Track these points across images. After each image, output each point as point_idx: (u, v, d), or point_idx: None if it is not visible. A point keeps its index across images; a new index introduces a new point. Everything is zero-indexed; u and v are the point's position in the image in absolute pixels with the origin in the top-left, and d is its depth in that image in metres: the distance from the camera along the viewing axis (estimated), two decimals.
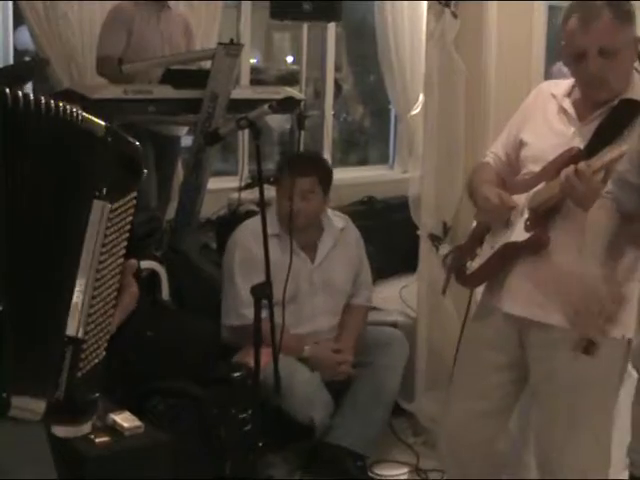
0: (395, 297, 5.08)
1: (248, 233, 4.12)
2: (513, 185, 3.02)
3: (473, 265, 3.07)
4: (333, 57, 6.60)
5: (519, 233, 2.89)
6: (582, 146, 2.79)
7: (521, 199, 2.93)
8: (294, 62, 7.58)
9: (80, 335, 1.65)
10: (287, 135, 6.82)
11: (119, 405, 3.23)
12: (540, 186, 2.86)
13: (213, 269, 4.31)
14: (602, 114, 2.81)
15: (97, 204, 1.64)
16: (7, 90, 1.57)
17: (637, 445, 2.39)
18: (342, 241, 4.35)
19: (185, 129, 5.32)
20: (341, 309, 4.32)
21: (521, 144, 3.01)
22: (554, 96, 2.95)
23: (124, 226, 1.72)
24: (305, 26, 5.82)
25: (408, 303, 4.87)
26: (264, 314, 3.33)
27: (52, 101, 1.61)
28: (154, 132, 5.04)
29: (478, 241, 3.09)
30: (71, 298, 1.65)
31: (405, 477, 4.12)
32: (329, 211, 4.37)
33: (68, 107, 1.63)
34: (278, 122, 6.90)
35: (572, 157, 2.77)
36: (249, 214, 4.61)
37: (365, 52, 7.43)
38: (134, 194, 1.72)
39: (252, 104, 4.00)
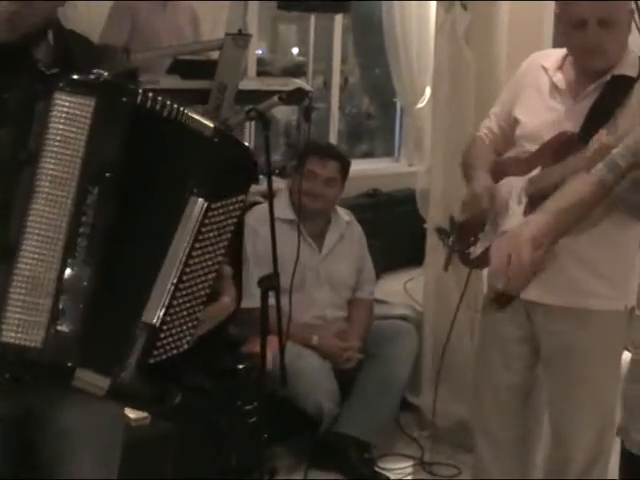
0: (400, 290, 5.08)
1: (257, 218, 4.13)
2: (508, 165, 3.03)
3: (476, 249, 3.09)
4: (340, 49, 6.57)
5: (518, 220, 2.85)
6: (575, 124, 2.81)
7: (517, 181, 2.94)
8: (299, 54, 7.56)
9: (157, 323, 1.71)
10: (292, 127, 6.81)
11: None
12: (537, 170, 2.88)
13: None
14: (595, 90, 2.83)
15: (194, 200, 1.71)
16: (140, 89, 1.68)
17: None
18: (347, 234, 4.37)
19: None
20: (345, 303, 4.35)
21: (515, 121, 3.03)
22: (545, 69, 2.96)
23: (225, 227, 1.78)
24: (312, 18, 5.79)
25: (413, 296, 4.86)
26: (272, 302, 3.34)
27: (170, 102, 1.70)
28: None
29: (479, 225, 3.09)
30: (152, 287, 1.70)
31: (410, 470, 4.12)
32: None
33: (182, 107, 1.71)
34: (284, 113, 6.89)
35: (567, 141, 2.80)
36: (255, 205, 4.60)
37: (372, 44, 7.40)
38: (241, 197, 1.78)
39: (260, 95, 3.99)
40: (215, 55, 4.57)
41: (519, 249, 2.18)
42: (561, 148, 2.81)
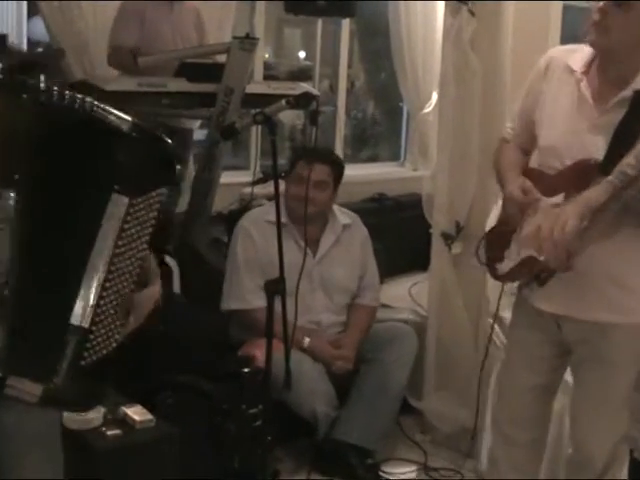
0: (405, 295, 5.08)
1: (251, 221, 4.18)
2: (534, 178, 2.97)
3: (503, 266, 3.05)
4: (346, 53, 6.58)
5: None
6: (596, 143, 2.75)
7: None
8: (306, 58, 7.57)
9: (86, 325, 1.68)
10: (298, 131, 6.82)
11: (129, 399, 3.24)
12: (560, 197, 2.81)
13: (223, 263, 4.30)
14: (618, 105, 2.75)
15: (115, 198, 1.68)
16: (42, 84, 1.62)
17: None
18: (345, 238, 4.35)
19: (197, 122, 5.31)
20: (343, 308, 4.33)
21: (534, 125, 2.99)
22: (572, 72, 2.88)
23: (147, 221, 1.74)
24: (319, 22, 5.80)
25: (418, 301, 4.86)
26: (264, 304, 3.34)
27: (81, 96, 1.65)
28: (165, 125, 5.03)
29: (505, 241, 3.04)
30: (79, 288, 1.67)
31: (413, 475, 4.11)
32: (335, 207, 4.38)
33: (96, 103, 1.67)
34: (289, 117, 6.90)
35: (589, 170, 2.74)
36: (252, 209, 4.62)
37: (378, 49, 7.41)
38: (161, 190, 1.75)
39: (267, 99, 4.00)
40: (222, 58, 4.58)
41: (564, 219, 2.17)
42: (583, 176, 2.75)
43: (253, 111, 3.47)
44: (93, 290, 1.68)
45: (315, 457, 4.03)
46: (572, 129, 2.84)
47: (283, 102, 3.45)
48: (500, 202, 3.12)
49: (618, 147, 2.72)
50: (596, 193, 2.43)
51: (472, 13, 4.02)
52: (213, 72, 4.53)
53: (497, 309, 3.45)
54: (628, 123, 2.74)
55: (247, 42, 4.49)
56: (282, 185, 4.14)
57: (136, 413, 3.15)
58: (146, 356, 3.79)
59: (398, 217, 5.87)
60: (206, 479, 3.52)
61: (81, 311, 1.68)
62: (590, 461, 3.01)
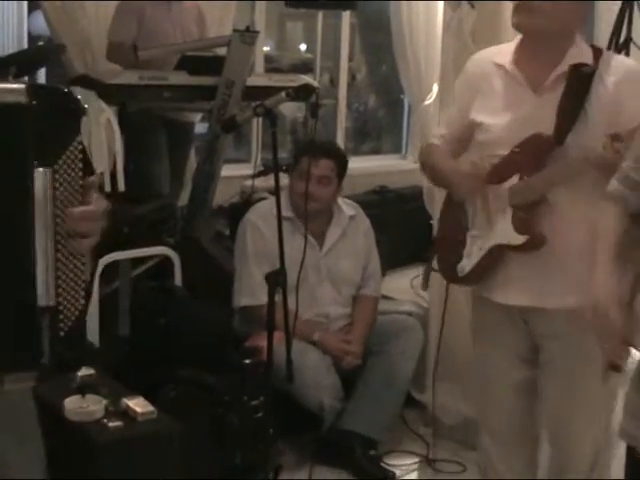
0: (407, 287, 5.08)
1: (260, 215, 4.17)
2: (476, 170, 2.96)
3: (464, 266, 2.98)
4: (347, 46, 6.59)
5: (508, 233, 2.82)
6: (542, 121, 2.74)
7: (495, 190, 2.87)
8: (307, 51, 7.56)
9: (52, 303, 1.69)
10: (299, 124, 6.82)
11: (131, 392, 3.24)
12: (515, 178, 2.81)
13: (226, 256, 4.31)
14: (556, 82, 2.76)
15: (38, 173, 1.66)
16: None
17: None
18: (350, 230, 4.36)
19: (199, 115, 5.31)
20: (349, 300, 4.35)
21: (475, 125, 2.94)
22: (499, 65, 2.88)
23: (75, 174, 1.72)
24: (320, 15, 5.80)
25: (420, 293, 4.86)
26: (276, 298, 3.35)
27: None
28: (168, 118, 5.04)
29: (461, 244, 3.00)
30: (35, 269, 1.67)
31: (415, 467, 4.12)
32: (339, 199, 4.38)
33: None
34: (290, 110, 6.90)
35: (542, 144, 2.75)
36: (259, 201, 4.62)
37: (379, 41, 7.41)
38: (78, 138, 1.70)
39: (267, 91, 3.99)
40: (223, 51, 4.58)
41: (607, 320, 2.11)
42: (537, 151, 2.76)
43: (253, 104, 3.47)
44: (49, 268, 1.68)
45: (318, 451, 4.03)
46: (516, 116, 2.82)
47: (283, 94, 3.45)
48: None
49: (564, 119, 2.73)
50: (605, 273, 2.22)
51: (472, 6, 4.01)
52: (214, 65, 4.52)
53: None
54: (570, 95, 2.74)
55: (247, 35, 4.49)
56: (284, 178, 4.15)
57: (138, 405, 3.15)
58: (148, 349, 3.81)
59: (400, 209, 5.88)
60: (208, 472, 3.53)
61: (45, 291, 1.68)
62: (572, 459, 2.99)
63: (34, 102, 1.66)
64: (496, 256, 2.88)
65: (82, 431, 2.98)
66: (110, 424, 3.04)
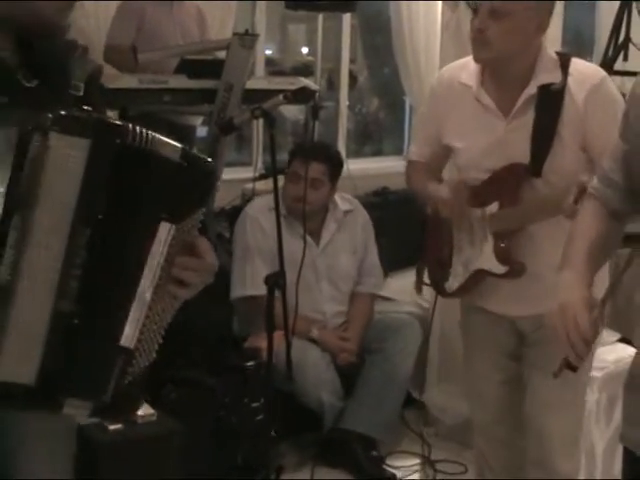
0: (408, 288, 5.06)
1: (258, 209, 4.19)
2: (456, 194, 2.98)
3: (451, 284, 3.06)
4: (348, 48, 6.60)
5: (490, 261, 2.88)
6: (516, 147, 2.76)
7: (474, 213, 2.92)
8: (309, 54, 7.57)
9: (132, 346, 1.74)
10: (300, 126, 6.82)
11: None
12: (494, 205, 2.85)
13: (226, 258, 4.31)
14: (525, 105, 2.76)
15: (164, 226, 1.73)
16: (129, 125, 1.65)
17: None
18: (346, 225, 4.37)
19: (200, 119, 5.32)
20: (347, 296, 4.36)
21: (447, 149, 2.97)
22: (466, 86, 2.86)
23: (188, 238, 1.80)
24: (320, 17, 5.81)
25: (422, 295, 4.85)
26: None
27: (141, 129, 1.67)
28: (169, 122, 5.04)
29: (447, 263, 3.06)
30: (129, 311, 1.72)
31: (416, 468, 4.13)
32: (336, 195, 4.39)
33: (147, 132, 1.68)
34: (292, 113, 6.91)
35: (519, 174, 2.78)
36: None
37: (380, 43, 7.42)
38: (202, 210, 1.80)
39: (267, 94, 4.00)
40: (222, 55, 4.59)
41: (575, 320, 2.10)
42: (514, 181, 2.79)
43: (251, 106, 3.48)
44: (141, 313, 1.74)
45: (319, 451, 4.05)
46: (488, 141, 2.82)
47: (281, 97, 3.46)
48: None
49: (540, 146, 2.75)
50: (581, 274, 2.19)
51: (470, 6, 4.02)
52: (213, 68, 4.53)
53: None
54: (542, 119, 2.75)
55: (247, 38, 4.49)
56: (283, 180, 4.17)
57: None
58: None
59: (401, 211, 5.86)
60: (209, 473, 3.54)
61: (130, 333, 1.73)
62: (550, 456, 2.99)
63: (184, 163, 1.73)
64: (480, 278, 2.96)
65: (81, 433, 2.99)
66: (110, 427, 3.06)
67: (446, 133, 2.95)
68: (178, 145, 1.74)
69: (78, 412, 1.77)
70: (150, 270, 1.73)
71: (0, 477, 2.00)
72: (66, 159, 1.61)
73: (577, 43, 8.08)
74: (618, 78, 4.11)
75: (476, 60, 2.78)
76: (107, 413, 1.83)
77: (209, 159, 1.82)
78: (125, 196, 1.69)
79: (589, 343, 2.10)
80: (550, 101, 2.74)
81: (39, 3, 1.77)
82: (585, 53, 7.32)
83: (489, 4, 2.65)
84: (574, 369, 2.23)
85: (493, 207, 2.86)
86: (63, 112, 1.62)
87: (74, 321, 1.67)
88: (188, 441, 3.29)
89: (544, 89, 2.74)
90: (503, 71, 2.78)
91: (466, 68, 2.89)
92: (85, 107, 1.71)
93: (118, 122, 1.68)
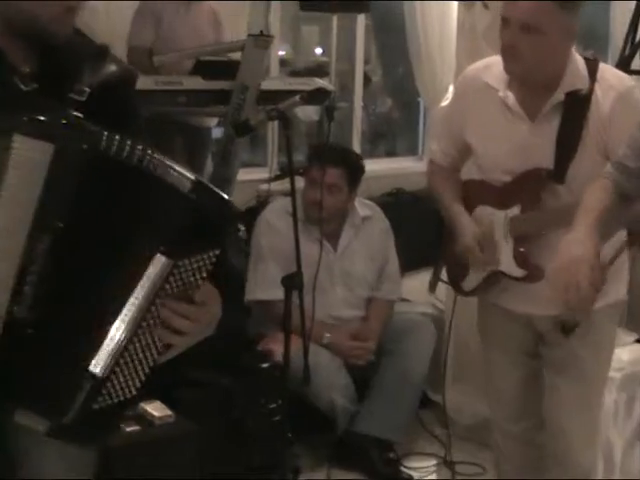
0: (423, 289, 5.05)
1: (275, 212, 4.17)
2: (481, 191, 3.00)
3: (469, 283, 3.08)
4: (362, 49, 6.59)
5: (509, 264, 2.89)
6: (540, 151, 2.76)
7: (496, 214, 2.92)
8: (323, 54, 7.57)
9: (102, 374, 1.68)
10: (315, 126, 6.83)
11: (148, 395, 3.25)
12: (516, 208, 2.86)
13: (242, 260, 4.31)
14: (552, 111, 2.76)
15: (159, 259, 1.64)
16: (105, 133, 1.59)
17: None
18: (364, 231, 4.35)
19: (215, 120, 5.33)
20: (363, 302, 4.33)
21: (469, 148, 2.97)
22: (492, 88, 2.84)
23: (193, 282, 1.69)
24: (334, 18, 5.81)
25: (436, 295, 4.85)
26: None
27: (145, 149, 1.61)
28: (184, 123, 5.05)
29: (465, 262, 3.06)
30: (103, 338, 1.67)
31: (434, 469, 4.11)
32: (356, 200, 4.36)
33: (158, 157, 1.62)
34: (306, 113, 6.90)
35: (542, 179, 2.78)
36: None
37: (393, 44, 7.41)
38: (213, 252, 1.67)
39: (282, 95, 4.00)
40: (237, 56, 4.60)
41: (578, 277, 2.16)
42: (536, 185, 2.79)
43: (267, 107, 3.48)
44: (117, 344, 1.67)
45: (335, 453, 4.04)
46: (512, 143, 2.82)
47: (297, 98, 3.45)
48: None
49: (565, 152, 2.74)
50: (587, 235, 2.30)
51: (486, 6, 4.01)
52: (228, 70, 4.54)
53: None
54: (568, 125, 2.75)
55: (261, 39, 4.50)
56: (300, 181, 4.15)
57: (155, 409, 3.17)
58: None
59: (416, 211, 5.86)
60: (225, 476, 3.53)
61: (101, 361, 1.68)
62: (569, 453, 2.99)
63: (193, 196, 1.64)
64: (498, 278, 2.97)
65: None
66: (127, 428, 3.06)
67: (469, 133, 2.95)
68: (191, 175, 1.65)
69: (31, 424, 1.72)
70: (135, 302, 1.65)
71: (13, 477, 1.98)
72: (28, 162, 1.57)
73: (591, 40, 8.04)
74: (635, 77, 4.08)
75: (507, 72, 2.77)
76: (69, 435, 1.74)
77: (227, 197, 1.70)
78: (112, 213, 1.63)
79: (590, 301, 2.13)
80: (577, 107, 2.73)
81: (33, 10, 1.72)
82: (599, 50, 7.28)
83: (520, 18, 2.63)
84: (568, 331, 2.26)
85: (514, 210, 2.86)
86: (36, 116, 1.58)
87: (28, 330, 1.63)
88: (204, 442, 3.28)
89: (571, 95, 2.73)
90: (532, 78, 2.77)
91: (491, 69, 2.88)
92: (74, 112, 1.65)
93: (92, 128, 1.61)
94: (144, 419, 3.13)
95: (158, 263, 1.64)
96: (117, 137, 1.59)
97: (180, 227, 1.65)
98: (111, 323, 1.66)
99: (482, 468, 4.03)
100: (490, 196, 2.93)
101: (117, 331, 1.66)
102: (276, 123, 3.82)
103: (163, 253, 1.63)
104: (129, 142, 1.60)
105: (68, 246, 1.61)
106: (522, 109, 2.80)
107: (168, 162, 1.64)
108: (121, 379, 1.72)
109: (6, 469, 1.97)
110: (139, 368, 1.73)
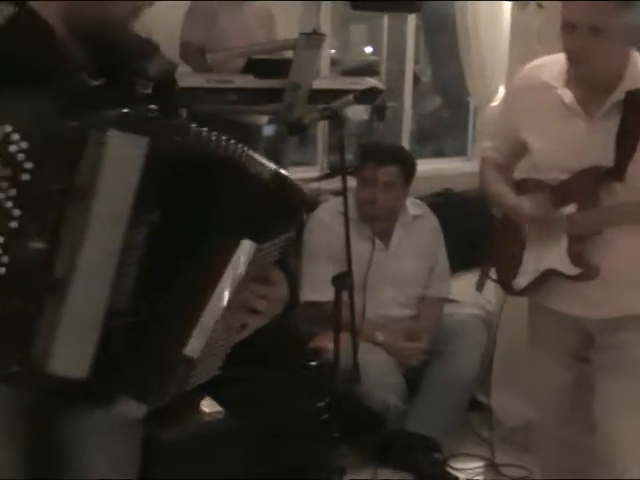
0: (471, 291, 5.04)
1: (327, 212, 4.18)
2: (536, 190, 2.97)
3: (520, 282, 3.06)
4: (413, 48, 6.58)
5: (563, 261, 2.87)
6: (599, 150, 2.74)
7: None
8: (373, 53, 7.58)
9: (196, 357, 1.74)
10: (364, 126, 6.82)
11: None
12: (572, 207, 2.84)
13: (292, 258, 4.32)
14: (612, 110, 2.73)
15: (245, 244, 1.71)
16: (191, 124, 1.66)
17: None
18: (415, 230, 4.35)
19: (266, 118, 5.34)
20: (413, 301, 4.33)
21: (524, 147, 2.96)
22: (550, 86, 2.84)
23: (267, 264, 1.79)
24: (385, 17, 5.81)
25: (484, 297, 4.83)
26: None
27: (229, 140, 1.68)
28: (235, 121, 5.07)
29: (517, 261, 3.05)
30: (197, 322, 1.73)
31: (480, 471, 4.10)
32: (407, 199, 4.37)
33: (240, 147, 1.70)
34: (355, 113, 6.91)
35: (600, 177, 2.75)
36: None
37: (444, 43, 7.39)
38: (288, 235, 1.79)
39: (333, 94, 4.01)
40: (289, 54, 4.61)
41: None
42: (594, 183, 2.77)
43: (320, 106, 3.48)
44: (209, 327, 1.73)
45: (381, 453, 4.04)
46: (569, 141, 2.81)
47: (350, 97, 3.46)
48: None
49: (625, 150, 2.72)
50: None
51: (540, 6, 3.99)
52: (280, 68, 4.55)
53: None
54: (628, 124, 2.73)
55: (313, 38, 4.51)
56: (350, 180, 4.16)
57: (205, 405, 3.18)
58: None
59: (464, 212, 5.83)
60: (270, 474, 3.53)
61: (195, 345, 1.74)
62: (619, 458, 2.93)
63: (274, 185, 1.74)
64: (550, 277, 2.94)
65: (149, 429, 3.01)
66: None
67: (525, 131, 2.94)
68: (270, 165, 1.74)
69: (131, 411, 1.82)
70: (224, 286, 1.72)
71: (55, 470, 2.02)
72: (124, 156, 1.61)
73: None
74: None
75: (577, 76, 2.77)
76: (160, 418, 1.85)
77: (300, 186, 1.81)
78: (201, 202, 1.70)
79: None
80: (637, 106, 2.71)
81: (100, 12, 1.77)
82: None
83: (588, 22, 2.61)
84: None
85: (571, 208, 2.84)
86: (124, 110, 1.63)
87: (129, 319, 1.69)
88: (250, 440, 3.30)
89: (631, 94, 2.72)
90: (593, 77, 2.77)
91: (548, 67, 2.89)
92: (152, 106, 1.71)
93: (180, 121, 1.71)
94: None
95: (244, 248, 1.71)
96: (204, 129, 1.66)
97: (260, 213, 1.73)
98: (203, 308, 1.72)
99: (528, 471, 4.01)
100: (545, 194, 2.91)
101: (210, 315, 1.73)
102: (326, 122, 3.83)
103: (247, 238, 1.71)
104: (214, 133, 1.66)
105: (162, 237, 1.67)
106: (580, 107, 2.79)
107: (251, 153, 1.72)
108: (209, 360, 1.78)
109: (56, 469, 2.01)
110: (221, 350, 1.80)
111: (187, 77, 4.48)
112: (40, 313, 1.64)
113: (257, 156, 1.73)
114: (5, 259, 1.60)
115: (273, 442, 3.58)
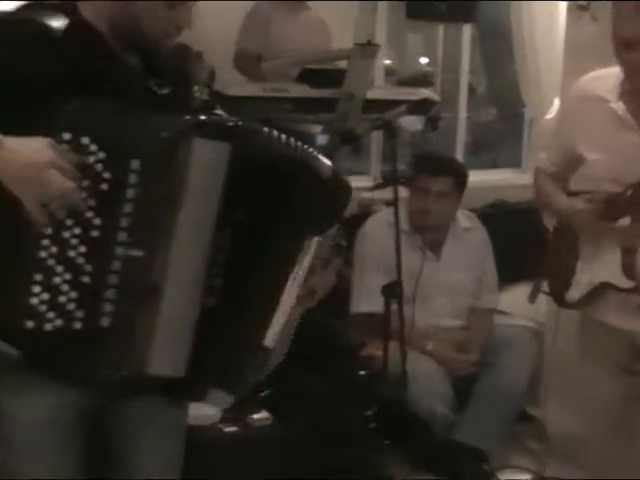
0: (523, 302, 5.02)
1: (379, 223, 4.19)
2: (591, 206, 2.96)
3: (573, 294, 3.05)
4: (468, 59, 6.56)
5: (617, 275, 2.86)
6: None
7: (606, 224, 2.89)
8: (429, 64, 7.56)
9: (272, 346, 1.86)
10: (417, 136, 6.82)
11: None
12: (626, 220, 2.82)
13: (343, 266, 4.33)
14: None
15: (311, 239, 1.85)
16: (264, 128, 1.76)
17: None
18: (465, 241, 4.35)
19: (319, 127, 5.36)
20: (463, 311, 4.33)
21: (578, 159, 2.94)
22: (604, 99, 2.84)
23: (324, 254, 1.93)
24: (441, 27, 5.81)
25: (535, 309, 4.81)
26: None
27: (297, 141, 1.80)
28: (287, 129, 5.09)
29: (570, 273, 3.04)
30: (274, 313, 1.84)
31: None
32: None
33: (307, 147, 1.82)
34: (409, 123, 6.90)
35: None
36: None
37: (499, 54, 7.36)
38: (339, 226, 1.93)
39: (387, 104, 4.02)
40: (343, 64, 4.62)
41: None
42: None
43: (373, 117, 3.50)
44: (283, 318, 1.85)
45: (428, 461, 4.03)
46: (623, 154, 2.79)
47: (403, 108, 3.47)
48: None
49: None
50: None
51: (594, 18, 3.97)
52: (334, 78, 4.57)
53: None
54: None
55: (368, 48, 4.52)
56: (402, 191, 4.17)
57: (253, 411, 3.20)
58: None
59: (518, 224, 5.81)
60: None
61: (272, 334, 1.85)
62: None
63: (332, 181, 1.87)
64: (604, 290, 2.93)
65: (198, 436, 3.04)
66: (226, 429, 3.10)
67: (580, 143, 2.93)
68: (328, 162, 1.85)
69: (219, 403, 1.93)
70: (296, 277, 1.82)
71: (108, 469, 2.07)
72: (209, 162, 1.69)
73: None
74: None
75: (632, 88, 2.77)
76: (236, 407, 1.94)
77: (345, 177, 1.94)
78: (273, 200, 1.79)
79: None
80: None
81: (144, 27, 1.82)
82: None
83: None
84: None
85: (625, 221, 2.83)
86: (203, 117, 1.71)
87: (220, 316, 1.78)
88: (297, 447, 3.31)
89: None
90: None
91: (603, 80, 2.89)
92: (218, 111, 1.79)
93: (255, 126, 1.77)
94: (242, 421, 3.18)
95: (310, 242, 1.84)
96: (275, 131, 1.76)
97: (322, 207, 1.86)
98: (278, 299, 1.84)
99: None
100: (604, 212, 2.88)
101: (284, 307, 1.85)
102: (380, 132, 3.84)
103: (315, 233, 1.85)
104: (284, 135, 1.77)
105: (245, 237, 1.77)
106: (634, 120, 2.78)
107: (314, 152, 1.83)
108: (279, 348, 1.90)
109: (108, 469, 2.06)
110: (289, 337, 1.93)
111: (244, 86, 4.53)
112: (139, 318, 1.71)
113: (317, 153, 1.83)
114: (89, 267, 1.65)
115: (321, 449, 3.60)
